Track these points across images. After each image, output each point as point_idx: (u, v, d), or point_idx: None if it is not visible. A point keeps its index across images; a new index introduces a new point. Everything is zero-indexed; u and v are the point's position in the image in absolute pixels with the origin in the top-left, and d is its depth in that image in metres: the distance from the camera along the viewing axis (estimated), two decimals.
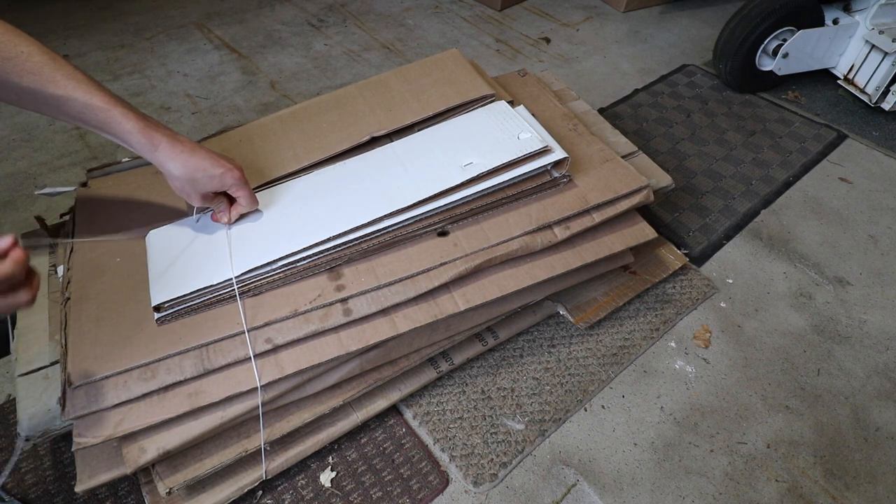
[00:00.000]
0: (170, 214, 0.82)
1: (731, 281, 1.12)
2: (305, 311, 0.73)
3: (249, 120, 1.14)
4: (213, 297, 0.72)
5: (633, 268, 1.04)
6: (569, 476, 0.84)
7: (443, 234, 0.81)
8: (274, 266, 0.74)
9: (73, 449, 0.64)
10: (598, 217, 0.85)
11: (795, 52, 1.49)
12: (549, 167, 0.85)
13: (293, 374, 0.71)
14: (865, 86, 1.50)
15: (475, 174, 0.80)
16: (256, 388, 0.69)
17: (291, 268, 0.75)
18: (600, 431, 0.89)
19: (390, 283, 0.76)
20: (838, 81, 1.58)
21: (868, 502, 0.83)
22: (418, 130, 0.92)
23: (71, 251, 0.79)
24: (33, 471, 0.81)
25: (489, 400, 0.91)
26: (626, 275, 1.03)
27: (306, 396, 0.77)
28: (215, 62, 1.67)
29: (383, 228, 0.77)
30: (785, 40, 1.49)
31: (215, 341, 0.70)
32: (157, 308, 0.70)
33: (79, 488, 0.70)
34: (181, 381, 0.68)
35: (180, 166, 0.67)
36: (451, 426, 0.87)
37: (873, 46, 1.44)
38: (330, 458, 0.84)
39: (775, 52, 1.50)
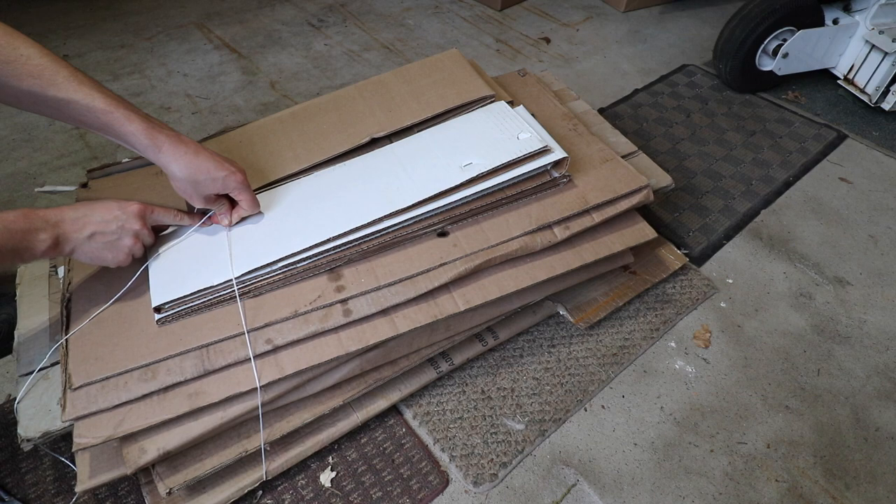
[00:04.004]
0: None
1: (731, 281, 1.12)
2: (305, 312, 0.73)
3: (249, 120, 1.14)
4: (214, 297, 0.72)
5: (633, 268, 1.04)
6: (569, 476, 0.84)
7: (442, 234, 0.81)
8: (274, 267, 0.74)
9: (73, 449, 0.64)
10: (597, 217, 0.85)
11: (795, 52, 1.49)
12: (548, 167, 0.85)
13: (293, 374, 0.71)
14: (865, 86, 1.50)
15: (475, 174, 0.80)
16: (256, 389, 0.70)
17: (291, 269, 0.75)
18: (600, 431, 0.89)
19: (390, 284, 0.76)
20: (838, 81, 1.58)
21: (868, 502, 0.83)
22: (418, 131, 0.92)
23: None
24: (33, 471, 0.81)
25: (489, 400, 0.91)
26: (626, 275, 1.03)
27: (306, 397, 0.77)
28: (215, 62, 1.67)
29: (383, 229, 0.77)
30: (785, 40, 1.49)
31: (215, 342, 0.70)
32: (158, 309, 0.70)
33: (79, 488, 0.70)
34: (181, 381, 0.68)
35: (183, 168, 0.67)
36: (451, 426, 0.87)
37: (873, 46, 1.44)
38: (330, 458, 0.84)
39: (775, 52, 1.50)
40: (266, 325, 0.72)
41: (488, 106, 0.93)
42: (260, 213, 0.79)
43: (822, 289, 1.11)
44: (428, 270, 0.77)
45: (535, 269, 0.83)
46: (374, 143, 0.90)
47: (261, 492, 0.80)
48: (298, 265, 0.75)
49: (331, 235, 0.75)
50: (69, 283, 0.75)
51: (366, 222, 0.77)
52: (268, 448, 0.76)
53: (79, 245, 0.64)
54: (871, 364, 0.99)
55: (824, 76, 1.64)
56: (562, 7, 2.02)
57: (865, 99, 1.51)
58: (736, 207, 1.26)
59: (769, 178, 1.33)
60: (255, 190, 0.80)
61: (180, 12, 1.90)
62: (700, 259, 1.15)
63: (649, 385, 0.95)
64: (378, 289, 0.76)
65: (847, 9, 1.51)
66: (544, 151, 0.84)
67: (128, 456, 0.66)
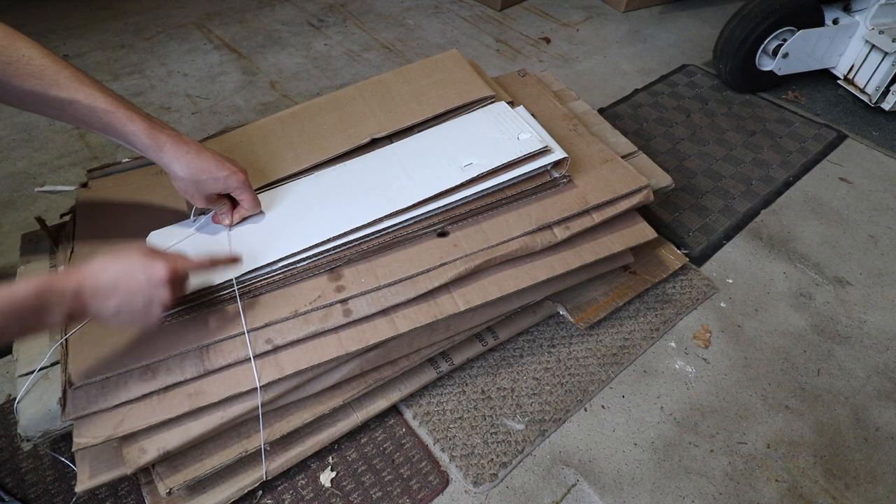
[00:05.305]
0: (170, 215, 0.82)
1: (731, 281, 1.12)
2: (305, 312, 0.73)
3: (249, 120, 1.15)
4: (214, 297, 0.72)
5: (633, 268, 1.04)
6: (569, 476, 0.84)
7: (443, 234, 0.81)
8: (274, 267, 0.74)
9: (73, 449, 0.64)
10: (597, 217, 0.85)
11: (795, 52, 1.49)
12: (548, 167, 0.85)
13: (293, 374, 0.71)
14: (865, 86, 1.50)
15: (475, 175, 0.80)
16: (256, 389, 0.70)
17: (292, 269, 0.75)
18: (600, 431, 0.89)
19: (390, 284, 0.76)
20: (838, 81, 1.58)
21: (868, 502, 0.83)
22: (418, 131, 0.92)
23: (71, 252, 0.79)
24: (33, 471, 0.81)
25: (489, 400, 0.91)
26: (626, 275, 1.03)
27: (306, 397, 0.77)
28: (215, 62, 1.67)
29: (383, 229, 0.78)
30: (785, 40, 1.49)
31: (215, 342, 0.70)
32: None
33: (79, 488, 0.70)
34: (181, 381, 0.68)
35: (185, 168, 0.67)
36: (451, 426, 0.87)
37: (873, 46, 1.44)
38: (330, 458, 0.84)
39: (775, 52, 1.50)
40: (266, 325, 0.72)
41: (488, 106, 0.93)
42: (261, 212, 0.79)
43: (822, 289, 1.11)
44: (428, 270, 0.77)
45: (535, 269, 0.83)
46: (374, 144, 0.90)
47: (261, 492, 0.80)
48: (298, 265, 0.75)
49: (331, 235, 0.75)
50: None
51: (366, 222, 0.77)
52: (268, 448, 0.76)
53: (100, 319, 0.58)
54: (871, 364, 0.99)
55: (824, 76, 1.64)
56: (562, 7, 2.02)
57: (865, 99, 1.51)
58: (736, 207, 1.26)
59: (769, 178, 1.33)
60: (255, 190, 0.80)
61: (180, 12, 1.90)
62: (700, 259, 1.15)
63: (649, 385, 0.95)
64: (378, 289, 0.76)
65: (847, 9, 1.51)
66: (544, 152, 0.84)
67: (128, 456, 0.66)
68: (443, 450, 0.85)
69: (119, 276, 0.56)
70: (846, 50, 1.53)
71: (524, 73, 1.13)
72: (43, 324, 0.53)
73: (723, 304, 1.07)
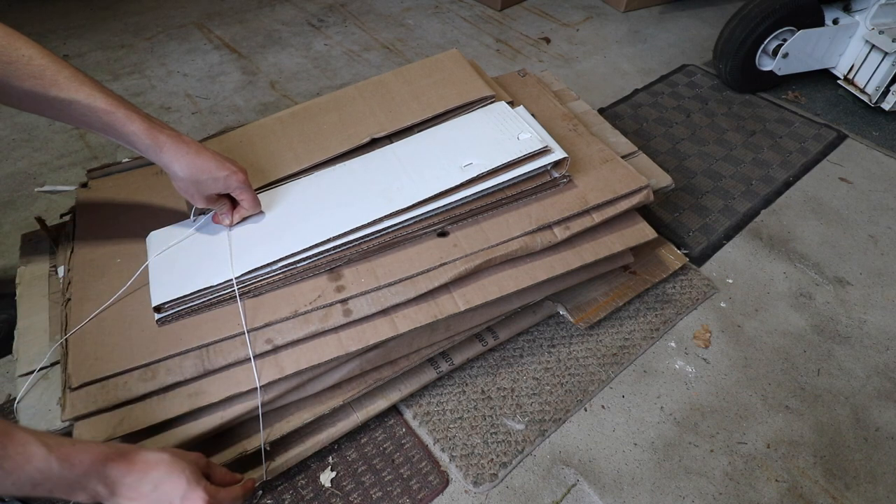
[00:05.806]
0: (170, 215, 0.82)
1: (731, 281, 1.12)
2: (306, 312, 0.73)
3: (249, 120, 1.15)
4: (214, 297, 0.72)
5: (633, 268, 1.04)
6: (569, 476, 0.84)
7: (443, 234, 0.81)
8: (274, 267, 0.74)
9: None
10: (597, 217, 0.85)
11: (795, 52, 1.49)
12: (548, 167, 0.85)
13: (293, 374, 0.71)
14: (865, 86, 1.50)
15: (475, 174, 0.80)
16: (256, 389, 0.70)
17: (292, 268, 0.75)
18: (600, 431, 0.89)
19: (390, 284, 0.76)
20: (838, 81, 1.58)
21: (868, 502, 0.83)
22: (418, 131, 0.92)
23: (71, 252, 0.79)
24: None
25: (489, 400, 0.91)
26: (626, 275, 1.03)
27: (306, 397, 0.77)
28: (215, 62, 1.67)
29: (383, 229, 0.77)
30: (785, 40, 1.49)
31: (215, 342, 0.70)
32: (158, 309, 0.70)
33: None
34: (181, 381, 0.68)
35: (185, 167, 0.67)
36: (451, 426, 0.87)
37: (873, 46, 1.44)
38: (330, 458, 0.84)
39: (775, 52, 1.50)
40: (266, 325, 0.72)
41: (488, 106, 0.93)
42: (261, 212, 0.79)
43: (822, 289, 1.11)
44: (428, 270, 0.77)
45: (535, 269, 0.83)
46: (374, 144, 0.90)
47: (261, 492, 0.80)
48: (298, 265, 0.75)
49: (331, 235, 0.75)
50: (69, 283, 0.75)
51: (366, 222, 0.77)
52: (268, 448, 0.76)
53: None
54: (871, 364, 0.99)
55: (824, 76, 1.64)
56: (562, 7, 2.02)
57: (865, 99, 1.51)
58: (736, 207, 1.26)
59: (769, 178, 1.33)
60: (255, 189, 0.80)
61: (180, 12, 1.90)
62: (700, 259, 1.15)
63: (649, 385, 0.95)
64: (378, 289, 0.76)
65: (847, 9, 1.51)
66: (544, 152, 0.84)
67: None
68: (443, 450, 0.85)
69: (156, 489, 0.54)
70: (846, 50, 1.53)
71: (524, 73, 1.13)
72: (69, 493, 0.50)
73: (723, 304, 1.07)
